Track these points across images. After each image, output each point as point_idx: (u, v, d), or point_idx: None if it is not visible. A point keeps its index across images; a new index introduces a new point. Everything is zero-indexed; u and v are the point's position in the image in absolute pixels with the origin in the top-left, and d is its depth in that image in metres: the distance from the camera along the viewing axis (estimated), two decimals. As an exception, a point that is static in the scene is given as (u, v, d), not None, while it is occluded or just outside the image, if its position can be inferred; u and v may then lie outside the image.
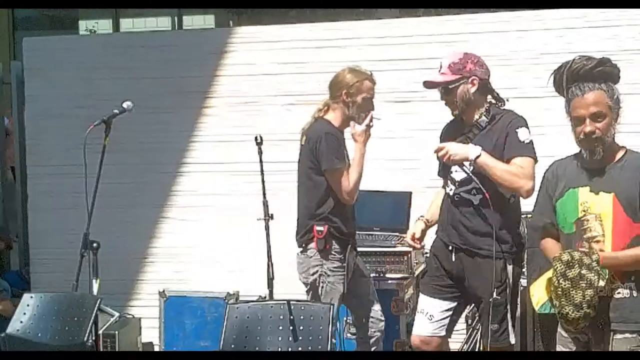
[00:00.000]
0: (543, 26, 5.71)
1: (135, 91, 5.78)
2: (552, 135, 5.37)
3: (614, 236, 3.18)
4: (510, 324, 3.97)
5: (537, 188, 3.64)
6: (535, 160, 3.90)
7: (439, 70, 4.00)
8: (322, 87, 5.99)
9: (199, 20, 10.96)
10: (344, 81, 4.38)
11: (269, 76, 6.11)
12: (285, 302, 4.08)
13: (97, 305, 4.17)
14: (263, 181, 4.69)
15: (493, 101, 4.04)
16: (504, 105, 4.06)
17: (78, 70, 6.41)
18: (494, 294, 3.89)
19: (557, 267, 3.15)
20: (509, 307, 3.96)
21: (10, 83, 7.12)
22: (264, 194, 4.71)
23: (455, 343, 5.36)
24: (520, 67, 5.71)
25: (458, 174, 3.97)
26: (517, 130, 3.90)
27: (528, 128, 3.94)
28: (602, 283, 3.11)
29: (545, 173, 3.47)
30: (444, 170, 4.08)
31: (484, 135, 3.93)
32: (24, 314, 4.34)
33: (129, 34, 10.17)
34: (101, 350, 5.16)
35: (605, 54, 5.63)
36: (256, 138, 4.78)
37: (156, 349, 5.81)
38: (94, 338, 4.18)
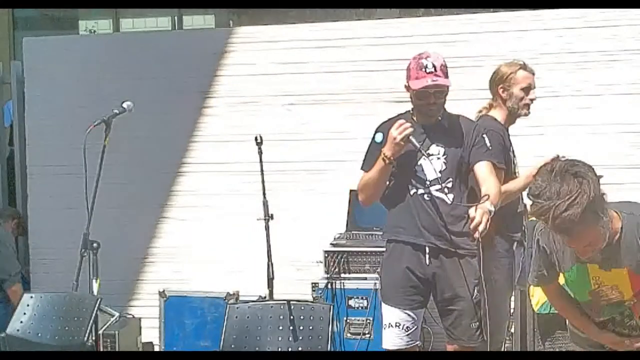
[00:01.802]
0: (543, 26, 5.70)
1: (135, 91, 5.78)
2: (552, 135, 5.39)
3: (636, 298, 3.09)
4: (483, 321, 3.92)
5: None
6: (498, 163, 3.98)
7: (434, 71, 3.87)
8: (322, 87, 6.04)
9: (199, 20, 10.96)
10: (498, 75, 4.30)
11: (269, 76, 6.11)
12: (285, 302, 4.09)
13: (97, 305, 4.17)
14: (263, 181, 4.70)
15: None
16: None
17: (78, 70, 6.41)
18: (475, 291, 3.88)
19: None
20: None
21: (10, 83, 7.12)
22: (264, 194, 4.72)
23: (455, 343, 5.36)
24: (520, 67, 5.71)
25: (426, 174, 3.90)
26: (484, 136, 3.96)
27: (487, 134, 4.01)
28: None
29: (537, 240, 3.17)
30: (407, 170, 3.92)
31: (446, 136, 3.92)
32: (24, 314, 4.35)
33: (129, 34, 10.16)
34: (101, 350, 5.16)
35: (606, 54, 5.69)
36: (256, 138, 4.79)
37: (156, 349, 5.81)
38: (94, 338, 4.18)
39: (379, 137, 4.00)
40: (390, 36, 5.93)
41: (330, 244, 5.35)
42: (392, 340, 3.98)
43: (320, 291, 5.25)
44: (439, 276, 3.90)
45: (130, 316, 5.85)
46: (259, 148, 4.76)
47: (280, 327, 4.03)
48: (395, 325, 3.96)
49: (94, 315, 4.15)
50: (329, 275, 5.27)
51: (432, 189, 3.89)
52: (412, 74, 3.94)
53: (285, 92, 6.09)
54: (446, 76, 3.90)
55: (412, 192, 3.91)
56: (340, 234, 5.45)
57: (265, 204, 4.71)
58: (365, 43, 5.91)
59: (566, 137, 5.44)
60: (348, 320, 5.17)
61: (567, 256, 3.07)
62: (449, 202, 3.87)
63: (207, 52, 6.26)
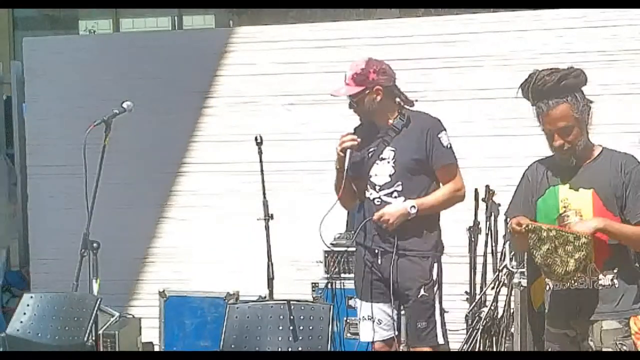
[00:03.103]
0: (543, 26, 5.70)
1: (135, 91, 5.78)
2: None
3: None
4: (439, 323, 3.99)
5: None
6: (456, 160, 4.07)
7: (345, 81, 4.04)
8: (322, 87, 6.03)
9: (199, 20, 10.96)
10: None
11: (269, 76, 6.10)
12: (285, 302, 4.09)
13: (97, 305, 4.17)
14: (263, 181, 4.70)
15: (402, 103, 4.10)
16: (413, 106, 4.13)
17: (78, 71, 6.41)
18: (422, 291, 3.95)
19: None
20: (437, 305, 4.00)
21: (10, 83, 7.12)
22: (264, 194, 4.72)
23: (456, 343, 5.36)
24: (520, 67, 5.69)
25: (378, 178, 4.00)
26: (439, 136, 4.01)
27: (445, 130, 4.04)
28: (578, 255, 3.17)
29: (525, 172, 3.52)
30: (364, 176, 4.07)
31: (400, 138, 4.00)
32: (24, 314, 4.35)
33: (129, 34, 10.17)
34: (101, 350, 5.16)
35: (605, 54, 5.68)
36: (256, 138, 4.79)
37: (156, 349, 5.80)
38: (94, 338, 4.18)
39: None
40: (390, 36, 5.92)
41: (330, 244, 5.35)
42: (367, 333, 4.09)
43: (320, 291, 5.26)
44: (391, 277, 3.98)
45: (130, 316, 5.85)
46: (259, 148, 4.75)
47: (280, 327, 4.03)
48: (368, 318, 4.07)
49: (94, 315, 4.15)
50: (329, 275, 5.27)
51: (382, 193, 3.99)
52: None
53: (285, 92, 6.08)
54: (357, 84, 4.01)
55: (367, 197, 4.05)
56: (340, 234, 5.44)
57: (265, 204, 4.70)
58: (365, 43, 5.91)
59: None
60: (348, 320, 5.17)
61: (544, 182, 3.37)
62: None
63: (207, 52, 6.26)
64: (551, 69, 3.33)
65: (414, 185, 3.97)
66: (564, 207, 3.29)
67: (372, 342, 4.11)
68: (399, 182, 3.96)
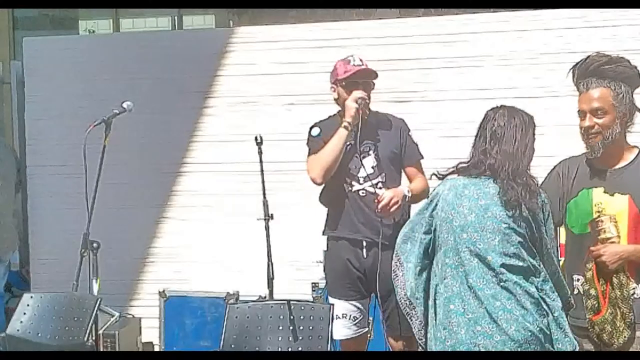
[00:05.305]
0: (543, 26, 5.71)
1: (135, 91, 5.78)
2: (552, 135, 5.39)
3: (629, 237, 3.18)
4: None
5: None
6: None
7: (360, 65, 4.10)
8: (322, 87, 6.02)
9: (199, 20, 10.94)
10: None
11: (269, 76, 6.11)
12: (285, 302, 4.09)
13: (97, 305, 4.17)
14: (263, 181, 4.69)
15: None
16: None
17: (78, 70, 6.41)
18: None
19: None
20: None
21: (10, 83, 7.11)
22: (264, 194, 4.71)
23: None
24: (520, 67, 5.71)
25: (361, 171, 4.04)
26: (410, 134, 4.16)
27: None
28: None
29: (552, 171, 3.44)
30: (342, 169, 4.09)
31: (373, 132, 4.08)
32: (24, 314, 4.34)
33: (129, 34, 10.16)
34: (101, 350, 5.16)
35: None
36: (256, 138, 4.78)
37: (156, 349, 5.81)
38: (93, 338, 4.18)
39: (315, 131, 4.24)
40: (390, 36, 5.93)
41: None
42: (340, 330, 4.11)
43: (320, 291, 5.25)
44: (375, 270, 3.99)
45: (130, 316, 5.85)
46: (259, 148, 4.75)
47: (280, 327, 4.03)
48: (342, 317, 4.11)
49: (94, 315, 4.15)
50: (328, 275, 5.25)
51: (366, 185, 4.04)
52: (340, 71, 4.11)
53: (285, 92, 6.09)
54: None
55: (347, 190, 4.07)
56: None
57: (265, 204, 4.70)
58: (365, 43, 5.91)
59: (566, 137, 5.44)
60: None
61: (577, 183, 3.27)
62: None
63: (207, 52, 6.26)
64: (605, 54, 3.34)
65: (393, 177, 4.07)
66: (598, 211, 3.20)
67: (341, 340, 4.15)
68: (383, 173, 4.04)
